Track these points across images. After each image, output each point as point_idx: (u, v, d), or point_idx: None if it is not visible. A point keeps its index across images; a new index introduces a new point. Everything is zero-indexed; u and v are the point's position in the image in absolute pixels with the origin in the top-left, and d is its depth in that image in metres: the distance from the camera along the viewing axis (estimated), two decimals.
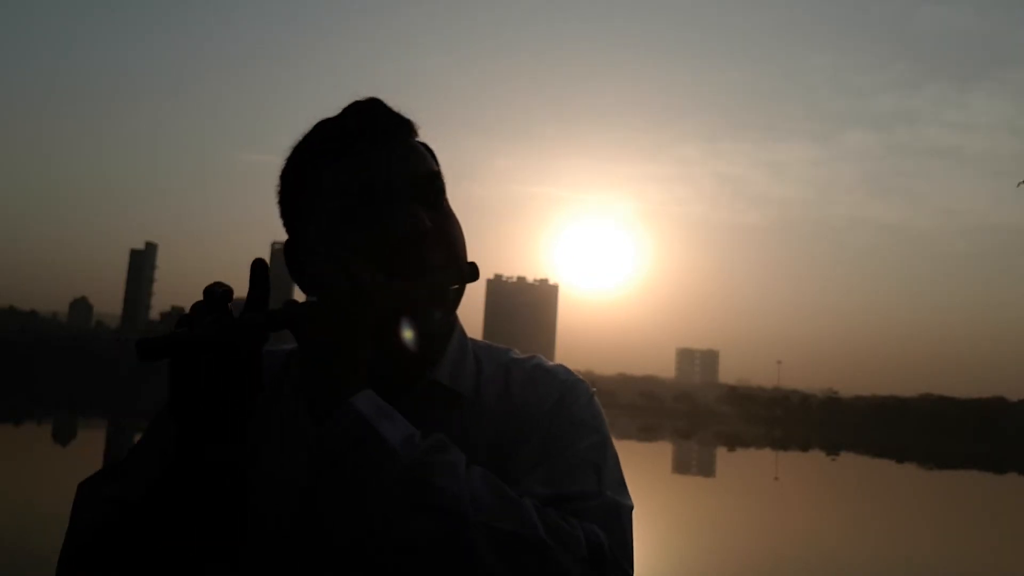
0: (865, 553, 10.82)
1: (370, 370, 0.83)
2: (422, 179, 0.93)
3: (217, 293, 0.81)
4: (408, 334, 0.90)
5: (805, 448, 48.12)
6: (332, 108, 0.99)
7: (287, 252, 0.98)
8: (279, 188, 0.99)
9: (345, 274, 0.81)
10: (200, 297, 0.80)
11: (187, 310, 0.81)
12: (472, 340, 1.03)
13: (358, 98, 0.95)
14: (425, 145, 0.99)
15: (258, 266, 0.84)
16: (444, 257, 0.91)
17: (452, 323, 1.00)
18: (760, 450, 42.42)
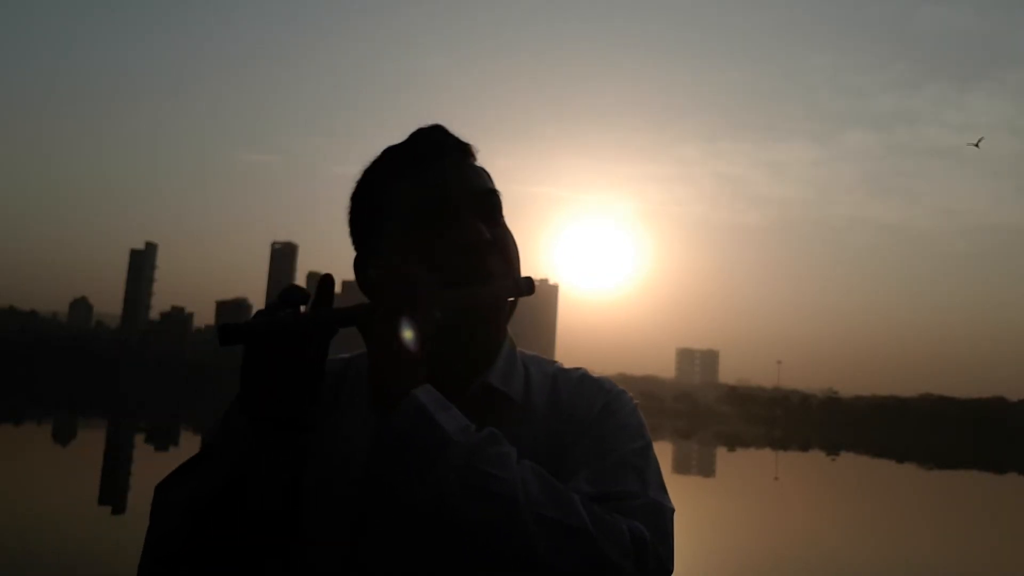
0: (865, 553, 10.82)
1: (428, 371, 0.89)
2: (482, 195, 1.03)
3: (295, 294, 0.89)
4: (464, 339, 0.98)
5: (805, 448, 48.09)
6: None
7: (358, 266, 1.06)
8: (350, 207, 1.08)
9: (400, 279, 0.89)
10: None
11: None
12: (520, 351, 1.10)
13: (422, 125, 1.06)
14: (482, 168, 1.08)
15: (325, 282, 0.92)
16: (501, 267, 1.00)
17: (505, 332, 1.07)
18: (760, 450, 42.38)
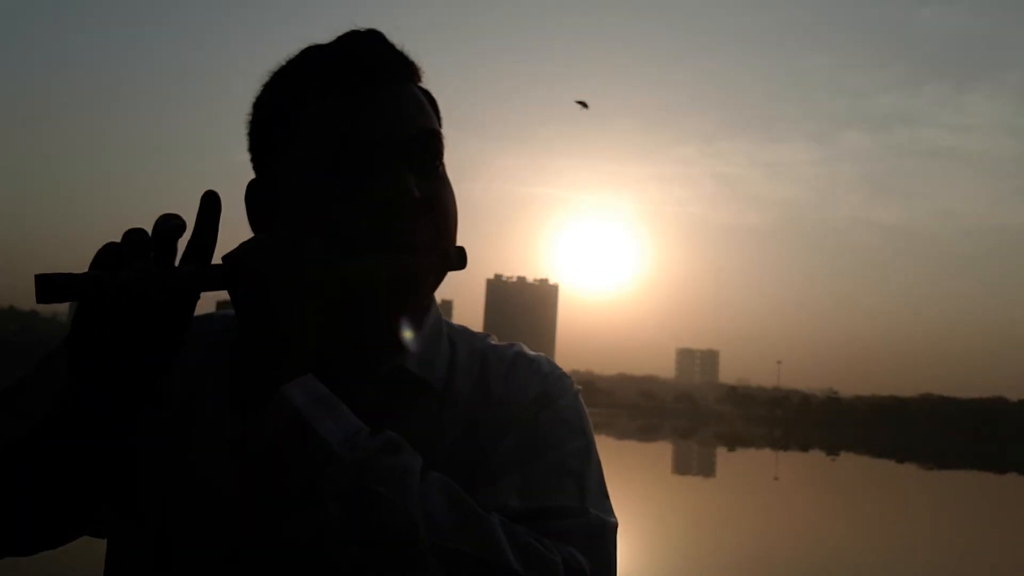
0: (865, 553, 10.82)
1: (329, 353, 0.73)
2: (417, 137, 0.79)
3: (163, 230, 0.67)
4: (371, 316, 0.79)
5: (805, 448, 48.12)
6: None
7: (249, 193, 0.83)
8: (251, 116, 0.84)
9: (288, 246, 0.70)
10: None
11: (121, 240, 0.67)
12: (447, 323, 0.90)
13: (359, 27, 0.81)
14: (427, 93, 0.84)
15: (209, 201, 0.70)
16: (431, 233, 0.78)
17: (427, 305, 0.86)
18: (760, 450, 42.43)
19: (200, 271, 0.69)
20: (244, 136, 0.85)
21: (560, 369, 0.88)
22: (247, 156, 0.85)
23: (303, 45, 0.83)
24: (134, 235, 0.67)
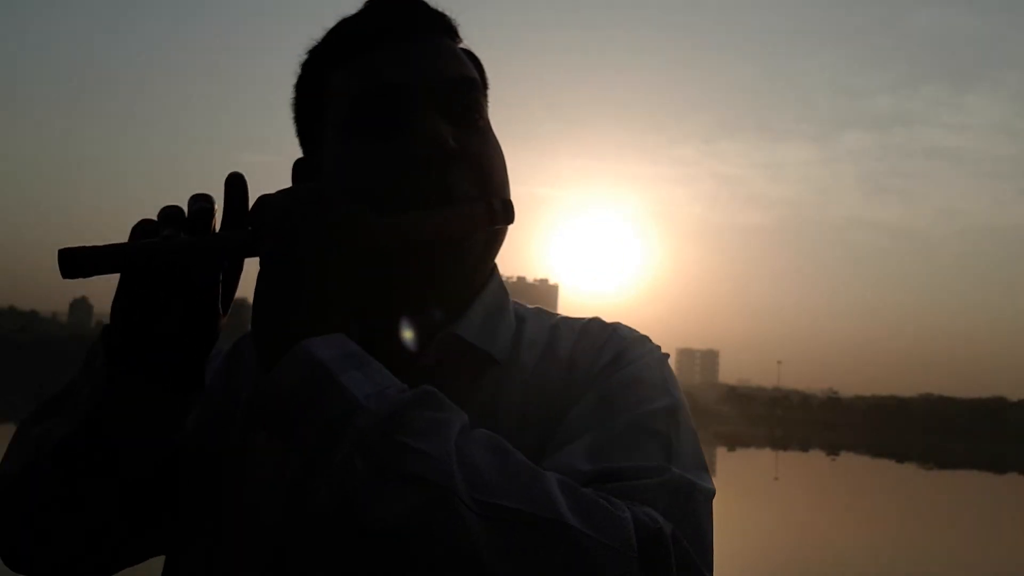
0: (866, 553, 10.82)
1: (374, 317, 0.69)
2: (450, 84, 0.72)
3: (195, 208, 0.65)
4: (416, 276, 0.71)
5: (805, 448, 48.11)
6: None
7: (294, 171, 0.80)
8: (293, 97, 0.81)
9: (317, 196, 0.64)
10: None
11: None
12: (517, 303, 0.83)
13: None
14: (469, 53, 0.79)
15: (235, 183, 0.67)
16: (468, 185, 0.71)
17: (486, 271, 0.78)
18: (760, 450, 42.41)
19: (226, 233, 0.65)
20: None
21: (641, 333, 0.79)
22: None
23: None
24: (169, 210, 0.65)
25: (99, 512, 0.69)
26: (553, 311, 0.84)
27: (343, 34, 0.75)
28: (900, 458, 42.16)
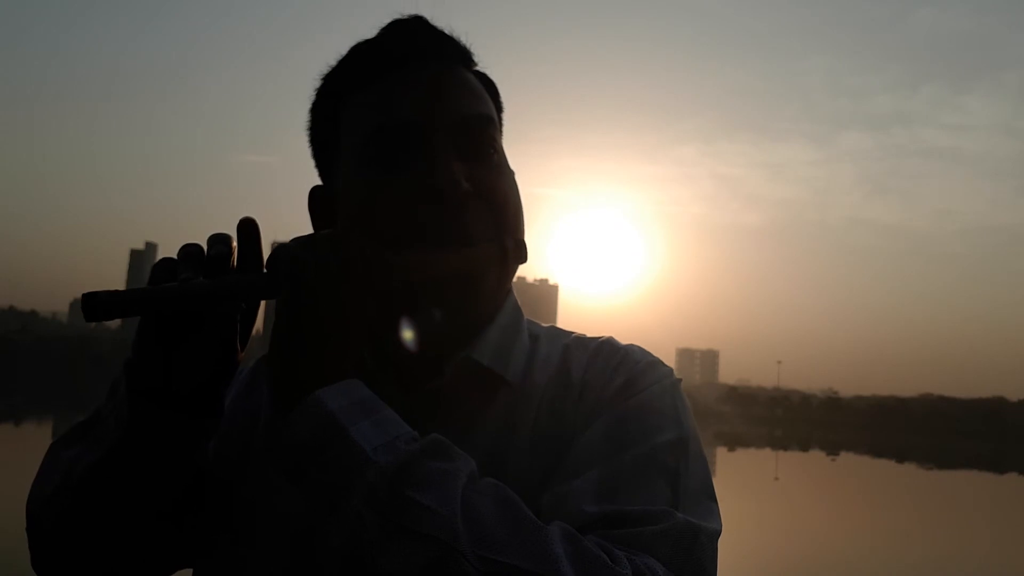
0: (865, 553, 10.82)
1: (387, 354, 0.72)
2: (466, 122, 0.73)
3: (213, 249, 0.66)
4: (434, 313, 0.72)
5: (805, 448, 48.10)
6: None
7: (314, 199, 0.80)
8: (308, 124, 0.81)
9: (336, 244, 0.65)
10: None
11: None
12: (531, 321, 0.84)
13: (399, 15, 0.77)
14: (483, 77, 0.79)
15: (246, 228, 0.68)
16: (485, 226, 0.72)
17: (502, 296, 0.80)
18: (760, 450, 42.37)
19: (243, 277, 0.66)
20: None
21: (654, 357, 0.79)
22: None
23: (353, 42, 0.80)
24: (189, 249, 0.66)
25: (127, 533, 0.71)
26: (568, 330, 0.84)
27: (359, 62, 0.75)
28: (900, 458, 42.13)
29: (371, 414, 0.61)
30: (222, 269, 0.65)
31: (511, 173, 0.76)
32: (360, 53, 0.76)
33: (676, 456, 0.69)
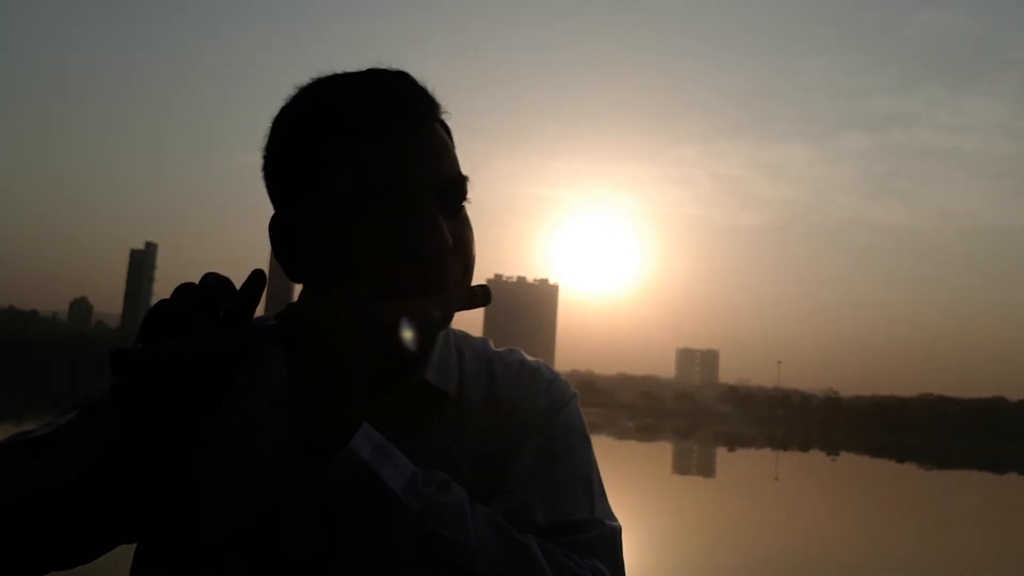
0: (865, 553, 10.82)
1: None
2: (450, 183, 0.83)
3: (212, 289, 0.71)
4: (406, 342, 0.82)
5: (805, 448, 48.10)
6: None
7: (279, 229, 0.85)
8: (274, 148, 0.85)
9: (354, 306, 0.72)
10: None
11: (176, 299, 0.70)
12: (451, 330, 0.94)
13: (381, 66, 0.84)
14: (445, 126, 0.88)
15: (257, 279, 0.74)
16: (460, 274, 0.84)
17: None
18: (760, 450, 42.40)
19: (267, 330, 0.71)
20: (258, 160, 0.87)
21: (558, 375, 0.94)
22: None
23: (316, 73, 0.85)
24: (190, 293, 0.70)
25: (85, 535, 0.78)
26: (480, 337, 0.97)
27: (345, 110, 0.80)
28: (900, 458, 42.15)
29: (390, 457, 0.72)
30: (237, 320, 0.71)
31: (469, 221, 0.87)
32: (347, 100, 0.81)
33: (588, 467, 0.88)
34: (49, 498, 0.75)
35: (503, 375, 0.92)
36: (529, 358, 0.96)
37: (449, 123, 0.88)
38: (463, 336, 0.96)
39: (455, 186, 0.84)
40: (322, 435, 0.71)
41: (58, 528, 0.76)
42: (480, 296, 0.85)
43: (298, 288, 0.87)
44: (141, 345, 0.66)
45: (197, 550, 0.81)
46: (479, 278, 0.87)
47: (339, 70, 0.85)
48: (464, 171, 0.86)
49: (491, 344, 0.97)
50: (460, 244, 0.83)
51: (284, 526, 0.79)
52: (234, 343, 0.69)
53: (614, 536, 0.84)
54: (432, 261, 0.80)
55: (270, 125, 0.86)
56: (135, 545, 0.87)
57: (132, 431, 0.73)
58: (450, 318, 0.85)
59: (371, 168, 0.79)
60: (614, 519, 0.86)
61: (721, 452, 38.69)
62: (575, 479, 0.85)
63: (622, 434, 48.60)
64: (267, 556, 0.80)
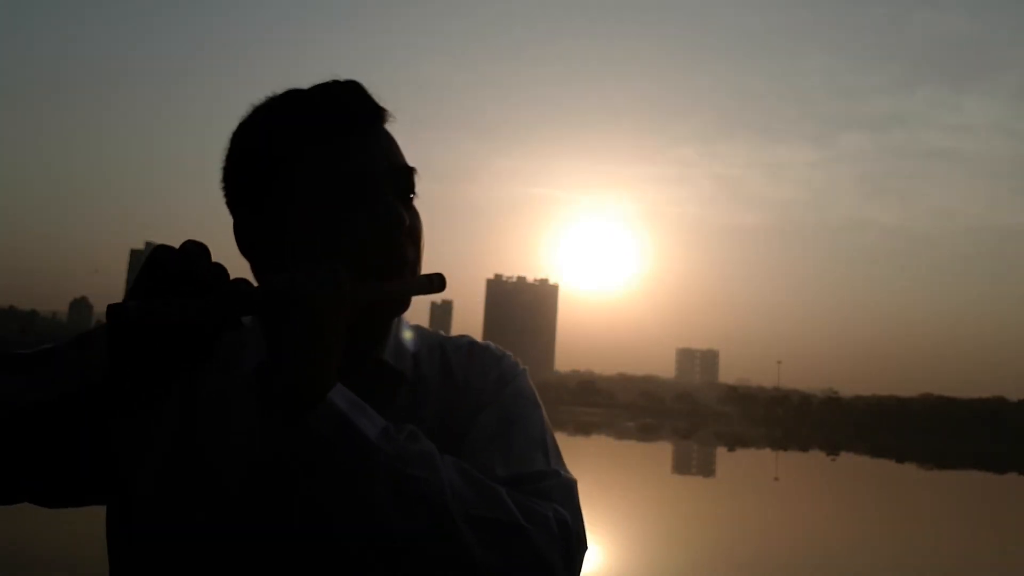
0: (865, 553, 10.81)
1: None
2: (401, 172, 0.93)
3: (194, 253, 0.76)
4: (365, 329, 0.90)
5: (805, 448, 48.03)
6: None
7: (246, 229, 0.94)
8: (234, 157, 0.94)
9: (334, 278, 0.79)
10: None
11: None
12: (403, 320, 1.02)
13: (336, 78, 0.93)
14: (393, 138, 0.98)
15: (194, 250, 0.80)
16: (414, 255, 0.92)
17: None
18: (760, 450, 42.33)
19: (256, 298, 0.76)
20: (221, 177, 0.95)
21: (507, 352, 1.03)
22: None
23: (273, 90, 0.95)
24: (200, 250, 0.77)
25: (64, 463, 0.81)
26: (432, 331, 1.05)
27: (310, 118, 0.90)
28: (900, 458, 42.07)
29: (364, 411, 0.79)
30: (221, 282, 0.77)
31: (419, 215, 0.96)
32: (311, 110, 0.91)
33: (541, 429, 0.95)
34: (26, 414, 0.79)
35: (455, 355, 1.00)
36: (479, 341, 1.04)
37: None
38: (416, 327, 1.04)
39: (407, 175, 0.93)
40: (306, 393, 0.76)
41: (33, 450, 0.79)
42: (436, 283, 0.91)
43: None
44: (137, 303, 0.70)
45: (177, 528, 0.86)
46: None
47: (292, 86, 0.95)
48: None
49: (443, 333, 1.05)
50: (413, 230, 0.92)
51: (263, 502, 0.86)
52: (224, 309, 0.74)
53: (571, 486, 0.89)
54: (393, 242, 0.89)
55: (230, 138, 0.94)
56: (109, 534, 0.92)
57: (117, 362, 0.77)
58: (408, 302, 0.94)
59: (336, 164, 0.89)
60: (570, 473, 0.92)
61: (721, 452, 38.65)
62: (530, 440, 0.92)
63: (622, 434, 48.62)
64: (247, 533, 0.86)
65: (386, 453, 0.77)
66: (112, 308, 0.70)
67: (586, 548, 0.87)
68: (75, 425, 0.79)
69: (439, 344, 1.02)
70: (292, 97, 0.94)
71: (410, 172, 0.94)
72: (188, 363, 0.79)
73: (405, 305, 0.94)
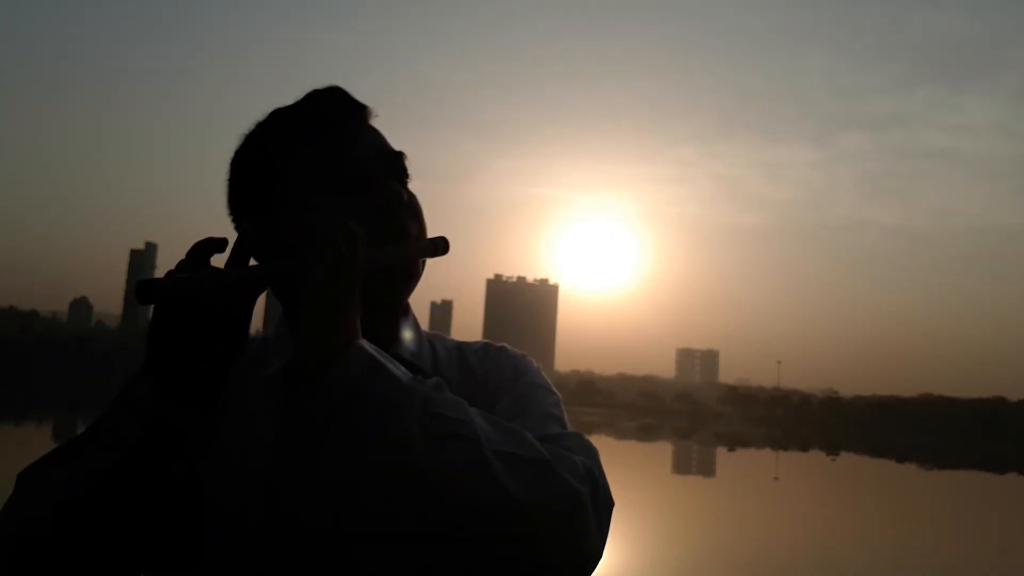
0: (865, 553, 10.81)
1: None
2: (392, 155, 0.99)
3: (209, 247, 0.81)
4: (379, 300, 0.92)
5: (805, 448, 48.06)
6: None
7: (250, 236, 0.92)
8: (236, 176, 0.99)
9: (343, 229, 0.83)
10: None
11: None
12: (423, 330, 1.07)
13: (316, 87, 0.99)
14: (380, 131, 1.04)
15: (247, 233, 0.85)
16: (416, 229, 0.97)
17: (406, 307, 1.04)
18: (760, 450, 42.34)
19: (269, 267, 0.82)
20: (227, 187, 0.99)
21: (521, 352, 1.09)
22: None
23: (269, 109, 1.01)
24: (192, 253, 0.80)
25: (133, 536, 0.80)
26: (451, 336, 1.11)
27: (297, 121, 0.97)
28: (900, 458, 42.10)
29: (390, 360, 0.82)
30: (245, 260, 0.84)
31: (417, 197, 1.02)
32: (295, 116, 0.98)
33: (559, 410, 1.00)
34: (86, 493, 0.77)
35: (472, 355, 1.06)
36: (498, 344, 1.09)
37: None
38: (434, 334, 1.09)
39: (400, 158, 0.99)
40: (336, 340, 0.80)
41: (107, 527, 0.78)
42: (440, 246, 0.96)
43: None
44: (162, 278, 0.73)
45: (210, 526, 0.86)
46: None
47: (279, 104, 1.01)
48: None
49: (463, 341, 1.11)
50: (412, 205, 0.98)
51: (285, 515, 0.86)
52: (249, 277, 0.79)
53: (594, 448, 0.92)
54: (394, 217, 0.94)
55: (231, 161, 1.00)
56: None
57: (157, 346, 0.79)
58: (416, 272, 0.98)
59: (328, 157, 0.95)
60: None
61: (721, 452, 38.63)
62: (547, 416, 0.96)
63: (622, 434, 48.59)
64: (269, 546, 0.85)
65: (419, 392, 0.80)
66: (140, 283, 0.71)
67: (613, 504, 0.88)
68: (117, 503, 0.78)
69: (456, 347, 1.07)
70: (278, 113, 1.00)
71: (400, 156, 0.99)
72: (225, 345, 0.81)
73: (413, 275, 0.97)
